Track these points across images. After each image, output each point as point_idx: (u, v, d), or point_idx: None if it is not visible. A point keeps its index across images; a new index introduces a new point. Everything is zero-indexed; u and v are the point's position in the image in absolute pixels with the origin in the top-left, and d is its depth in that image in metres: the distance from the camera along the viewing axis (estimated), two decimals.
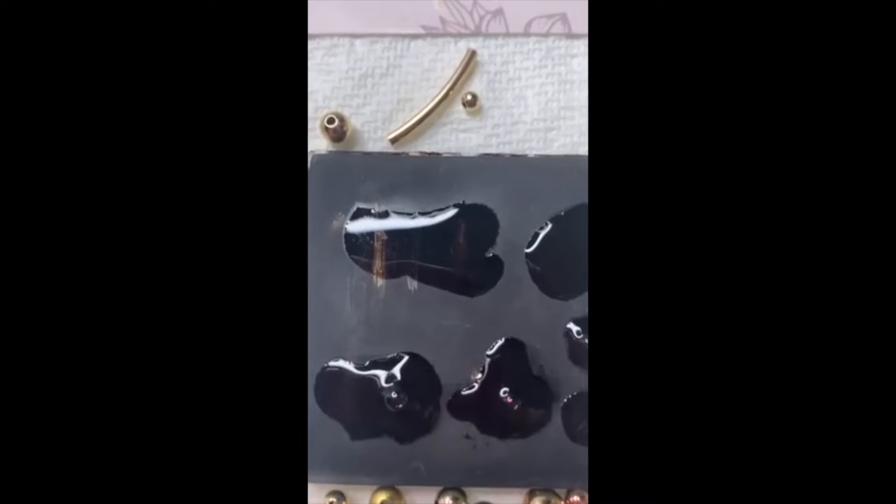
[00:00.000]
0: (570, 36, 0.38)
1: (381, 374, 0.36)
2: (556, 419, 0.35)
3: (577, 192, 0.36)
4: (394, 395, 0.35)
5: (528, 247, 0.36)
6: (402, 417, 0.35)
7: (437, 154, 0.37)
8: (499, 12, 0.38)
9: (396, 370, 0.36)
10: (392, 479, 0.36)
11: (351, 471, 0.36)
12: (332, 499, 0.36)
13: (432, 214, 0.36)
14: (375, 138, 0.38)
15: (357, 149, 0.38)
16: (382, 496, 0.36)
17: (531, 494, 0.36)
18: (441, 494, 0.36)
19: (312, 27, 0.38)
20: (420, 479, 0.36)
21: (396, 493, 0.36)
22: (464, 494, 0.36)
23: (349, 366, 0.36)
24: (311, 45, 0.38)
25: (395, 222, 0.36)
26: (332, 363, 0.36)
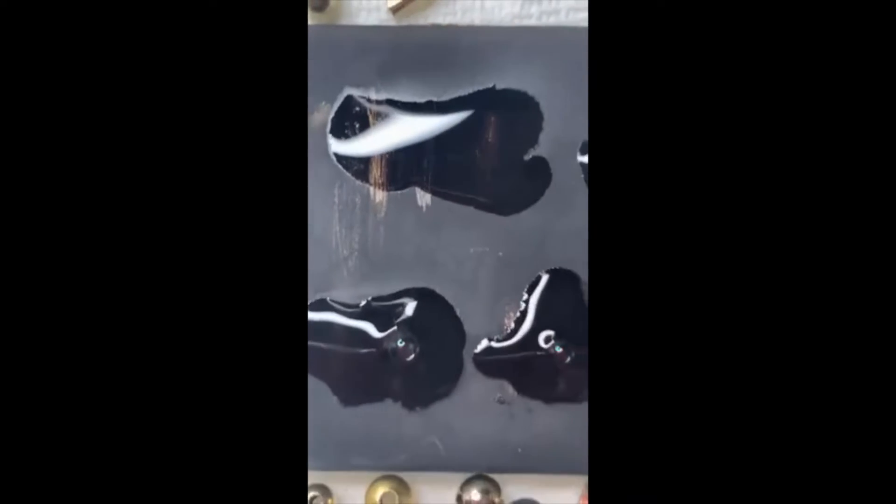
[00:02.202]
0: None
1: (382, 317, 0.32)
2: None
3: None
4: (400, 344, 0.32)
5: (583, 151, 0.32)
6: (411, 376, 0.32)
7: (456, 26, 0.34)
8: None
9: (404, 313, 0.33)
10: (397, 462, 0.32)
11: (340, 452, 0.32)
12: (315, 493, 0.32)
13: (450, 104, 0.33)
14: (370, 8, 0.34)
15: (346, 22, 0.34)
16: (382, 489, 0.32)
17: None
18: (465, 486, 0.33)
19: None
20: (436, 462, 0.32)
21: (401, 485, 0.32)
22: (497, 487, 0.33)
23: (338, 307, 0.33)
24: None
25: (401, 115, 0.33)
26: (316, 307, 0.32)
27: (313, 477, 0.33)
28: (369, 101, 0.33)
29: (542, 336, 0.32)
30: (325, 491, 0.33)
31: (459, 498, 0.32)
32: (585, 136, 0.32)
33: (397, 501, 0.32)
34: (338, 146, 0.33)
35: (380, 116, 0.32)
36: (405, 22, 0.34)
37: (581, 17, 0.34)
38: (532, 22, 0.34)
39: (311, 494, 0.32)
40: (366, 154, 0.32)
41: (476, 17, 0.34)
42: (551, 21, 0.34)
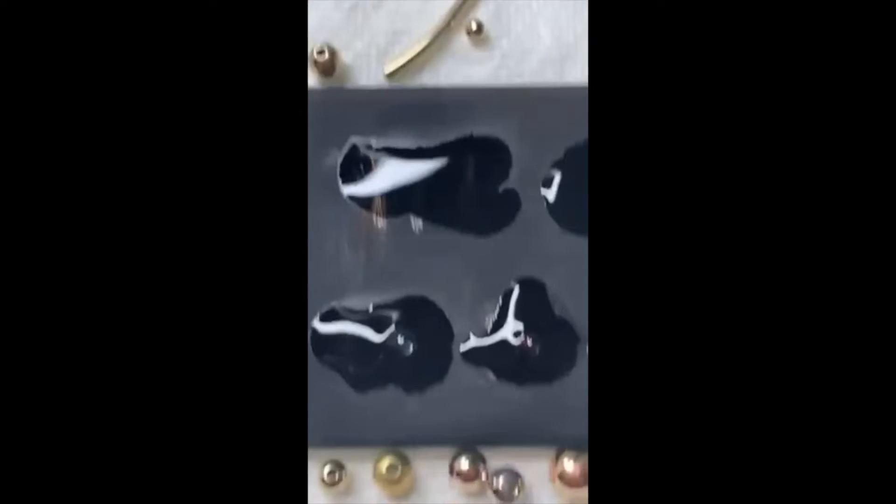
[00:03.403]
0: None
1: (385, 320, 0.36)
2: (583, 364, 0.35)
3: None
4: (400, 340, 0.36)
5: (546, 184, 0.36)
6: (410, 366, 0.36)
7: (440, 87, 0.37)
8: None
9: (402, 315, 0.36)
10: (399, 437, 0.36)
11: (352, 428, 0.35)
12: (330, 467, 0.35)
13: (436, 149, 0.37)
14: (370, 75, 0.38)
15: (350, 85, 0.38)
16: (387, 461, 0.35)
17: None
18: (456, 457, 0.35)
19: None
20: (431, 437, 0.35)
21: (403, 459, 0.35)
22: (483, 458, 0.35)
23: (350, 313, 0.36)
24: None
25: (396, 158, 0.37)
26: (330, 311, 0.36)
27: (329, 454, 0.35)
28: (370, 147, 0.36)
29: (512, 331, 0.35)
30: (339, 465, 0.35)
31: (452, 467, 0.35)
32: (547, 172, 0.36)
33: (400, 470, 0.34)
34: (347, 188, 0.36)
35: (379, 160, 0.36)
36: (399, 84, 0.37)
37: (539, 80, 0.37)
38: (502, 82, 0.37)
39: (327, 468, 0.34)
40: (369, 192, 0.36)
41: (456, 80, 0.37)
42: (517, 81, 0.37)
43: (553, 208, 0.36)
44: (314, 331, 0.36)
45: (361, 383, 0.35)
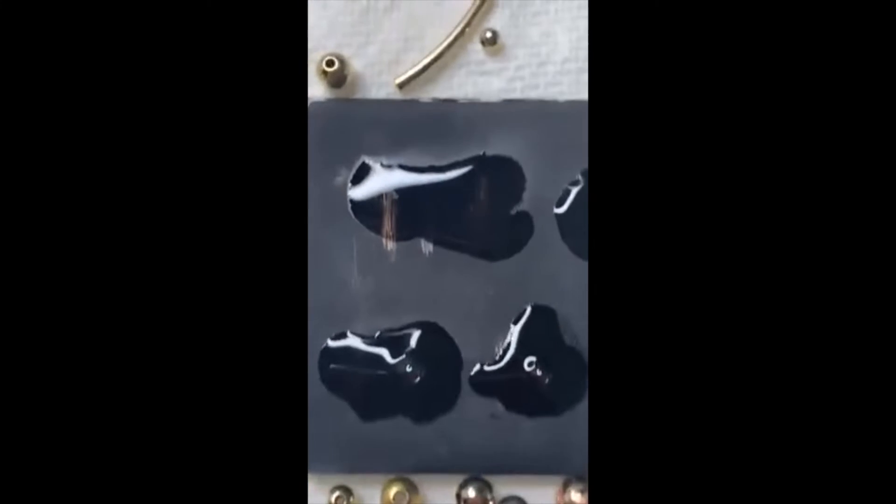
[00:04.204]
0: None
1: (394, 346, 0.36)
2: None
3: None
4: (408, 369, 0.35)
5: (559, 205, 0.36)
6: (418, 396, 0.36)
7: (453, 100, 0.37)
8: None
9: (411, 342, 0.36)
10: (407, 465, 0.36)
11: (359, 457, 0.35)
12: (338, 493, 0.35)
13: (448, 168, 0.36)
14: (380, 83, 0.37)
15: (359, 95, 0.37)
16: (395, 488, 0.35)
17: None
18: (463, 486, 0.36)
19: None
20: (439, 466, 0.35)
21: (411, 485, 0.36)
22: (489, 487, 0.36)
23: (357, 339, 0.36)
24: None
25: (407, 178, 0.36)
26: (337, 337, 0.36)
27: (336, 480, 0.35)
28: (381, 165, 0.36)
29: (526, 361, 0.35)
30: (347, 491, 0.35)
31: (458, 495, 0.35)
32: (561, 194, 0.35)
33: (407, 498, 0.35)
34: (354, 191, 0.36)
35: (390, 179, 0.36)
36: (410, 95, 0.37)
37: (556, 91, 0.37)
38: (516, 95, 0.37)
39: (335, 495, 0.35)
40: (378, 203, 0.36)
41: (469, 91, 0.37)
42: (532, 94, 0.37)
43: (565, 232, 0.36)
44: (321, 356, 0.36)
45: (369, 412, 0.36)
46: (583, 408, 0.35)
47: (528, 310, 0.36)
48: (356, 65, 0.37)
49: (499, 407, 0.36)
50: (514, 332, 0.36)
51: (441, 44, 0.37)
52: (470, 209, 0.36)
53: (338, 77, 0.37)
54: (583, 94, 0.37)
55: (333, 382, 0.36)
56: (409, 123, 0.36)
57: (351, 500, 0.35)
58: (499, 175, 0.36)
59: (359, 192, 0.36)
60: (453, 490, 0.36)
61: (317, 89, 0.37)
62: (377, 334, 0.36)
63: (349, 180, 0.36)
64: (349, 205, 0.36)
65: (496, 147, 0.36)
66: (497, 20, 0.38)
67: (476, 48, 0.38)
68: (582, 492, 0.35)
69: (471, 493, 0.35)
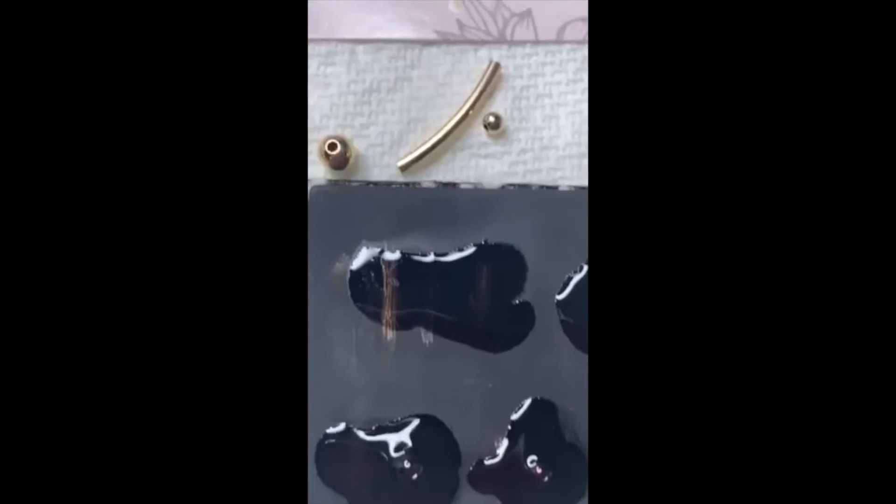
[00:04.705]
0: None
1: (392, 440, 0.36)
2: None
3: None
4: (406, 464, 0.35)
5: (560, 293, 0.36)
6: (416, 492, 0.35)
7: (455, 184, 0.37)
8: (526, 15, 0.37)
9: (409, 436, 0.36)
10: None
11: None
12: None
13: (449, 255, 0.36)
14: (382, 165, 0.38)
15: (361, 177, 0.38)
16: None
17: None
18: None
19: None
20: None
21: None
22: None
23: (355, 431, 0.36)
24: None
25: (408, 265, 0.36)
26: (335, 429, 0.36)
27: None
28: (382, 251, 0.36)
29: (529, 459, 0.35)
30: None
31: None
32: (563, 284, 0.35)
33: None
34: (354, 278, 0.36)
35: (391, 267, 0.36)
36: (411, 177, 0.37)
37: (559, 176, 0.37)
38: (518, 179, 0.37)
39: None
40: (378, 290, 0.36)
41: (471, 175, 0.37)
42: (534, 179, 0.37)
43: (567, 324, 0.36)
44: (319, 448, 0.36)
45: None
46: None
47: (528, 403, 0.36)
48: (358, 146, 0.38)
49: None
50: (515, 426, 0.36)
51: (444, 126, 0.37)
52: (471, 299, 0.36)
53: (340, 160, 0.37)
54: (584, 179, 0.37)
55: (331, 477, 0.36)
56: (411, 209, 0.36)
57: None
58: (500, 263, 0.36)
59: (359, 278, 0.36)
60: None
61: (317, 170, 0.37)
62: (375, 427, 0.36)
63: (349, 266, 0.36)
64: (349, 291, 0.36)
65: (497, 235, 0.36)
66: (500, 103, 0.38)
67: (479, 131, 0.38)
68: None
69: None
